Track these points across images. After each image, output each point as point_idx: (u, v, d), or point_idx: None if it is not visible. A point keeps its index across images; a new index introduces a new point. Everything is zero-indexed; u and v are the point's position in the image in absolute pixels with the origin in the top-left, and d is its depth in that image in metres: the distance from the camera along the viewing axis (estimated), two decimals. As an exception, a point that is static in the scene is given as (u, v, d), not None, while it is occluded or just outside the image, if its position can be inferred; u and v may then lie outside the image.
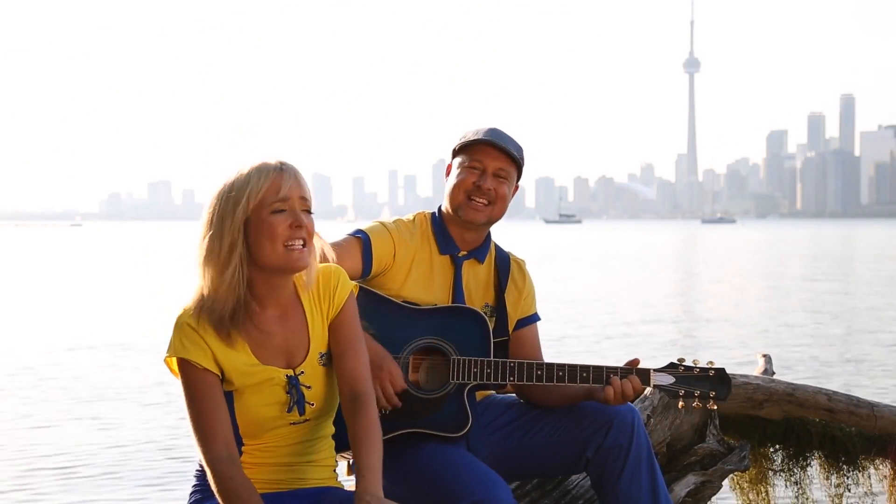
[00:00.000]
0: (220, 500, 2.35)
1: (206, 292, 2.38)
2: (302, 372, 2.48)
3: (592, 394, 2.97)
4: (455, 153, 3.11)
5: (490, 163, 3.03)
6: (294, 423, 2.49)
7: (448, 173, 3.12)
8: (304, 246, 2.41)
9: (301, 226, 2.39)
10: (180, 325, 2.40)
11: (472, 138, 3.05)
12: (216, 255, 2.36)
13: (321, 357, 2.52)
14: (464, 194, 3.04)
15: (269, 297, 2.45)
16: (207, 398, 2.38)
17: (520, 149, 3.10)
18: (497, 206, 3.05)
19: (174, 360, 2.41)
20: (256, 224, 2.37)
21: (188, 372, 2.39)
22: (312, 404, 2.49)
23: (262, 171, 2.38)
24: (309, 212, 2.45)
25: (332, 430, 2.62)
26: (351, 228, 3.09)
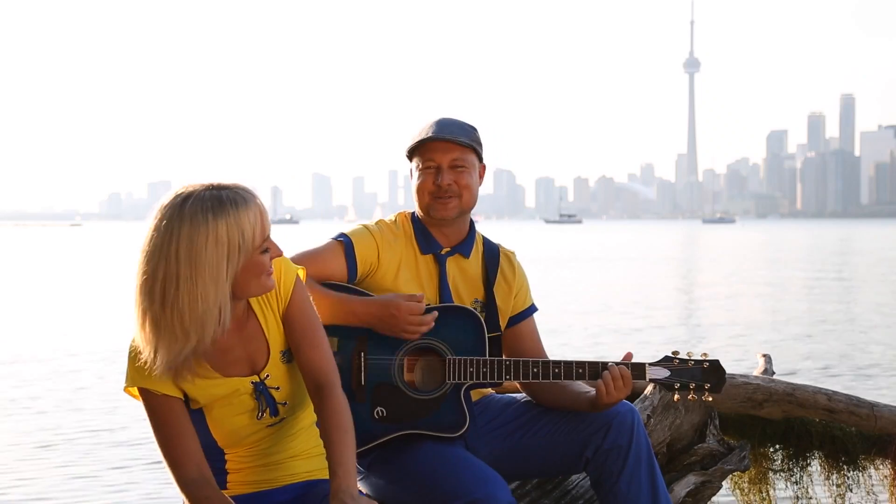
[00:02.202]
0: None
1: (176, 336, 2.20)
2: (267, 375, 2.43)
3: (595, 405, 2.96)
4: (409, 156, 3.08)
5: (442, 157, 3.00)
6: (271, 425, 2.46)
7: (412, 177, 3.09)
8: None
9: (273, 255, 2.34)
10: (135, 356, 2.29)
11: (418, 139, 3.01)
12: (201, 304, 2.19)
13: (283, 355, 2.47)
14: (428, 196, 3.02)
15: (230, 318, 2.34)
16: (172, 423, 2.33)
17: (470, 131, 3.05)
18: (465, 196, 3.02)
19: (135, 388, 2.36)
20: (248, 266, 2.27)
21: (150, 399, 2.35)
22: (285, 403, 2.46)
23: (250, 212, 2.24)
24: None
25: (315, 418, 2.55)
26: (350, 228, 3.09)
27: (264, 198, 2.37)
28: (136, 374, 2.31)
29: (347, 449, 2.35)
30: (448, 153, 3.00)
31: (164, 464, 2.35)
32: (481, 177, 3.12)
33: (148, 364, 2.24)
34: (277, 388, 2.44)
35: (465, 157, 3.02)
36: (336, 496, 2.27)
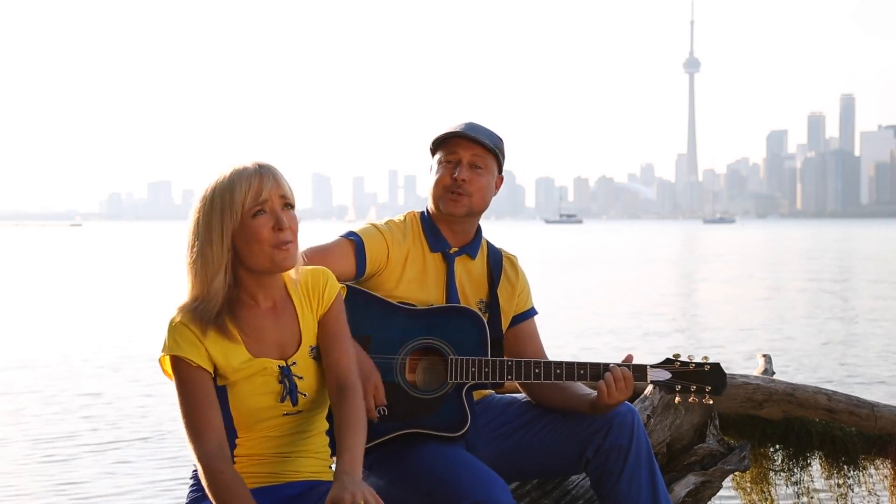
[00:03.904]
0: (210, 494, 2.38)
1: (196, 295, 2.45)
2: (294, 363, 2.54)
3: (596, 407, 2.96)
4: (433, 151, 3.13)
5: (464, 154, 3.05)
6: (287, 414, 2.54)
7: (431, 171, 3.14)
8: (290, 244, 2.47)
9: (283, 227, 2.45)
10: (174, 325, 2.46)
11: (444, 133, 3.07)
12: (206, 262, 2.44)
13: (311, 350, 2.59)
14: (442, 189, 3.06)
15: (261, 294, 2.54)
16: (200, 395, 2.43)
17: (497, 138, 3.11)
18: (476, 198, 3.06)
19: (167, 359, 2.47)
20: (242, 230, 2.43)
21: (181, 369, 2.45)
22: (305, 395, 2.55)
23: (242, 177, 2.43)
24: (290, 207, 2.49)
25: (327, 426, 2.66)
26: (350, 228, 3.10)
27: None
28: (173, 344, 2.45)
29: (358, 439, 2.47)
30: (470, 150, 3.05)
31: (186, 436, 2.43)
32: (497, 187, 3.16)
33: (184, 307, 2.44)
34: (301, 378, 2.55)
35: (486, 160, 3.08)
36: (339, 477, 2.35)
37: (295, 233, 2.50)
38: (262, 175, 2.45)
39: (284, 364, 2.53)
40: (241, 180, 2.43)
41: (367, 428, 2.54)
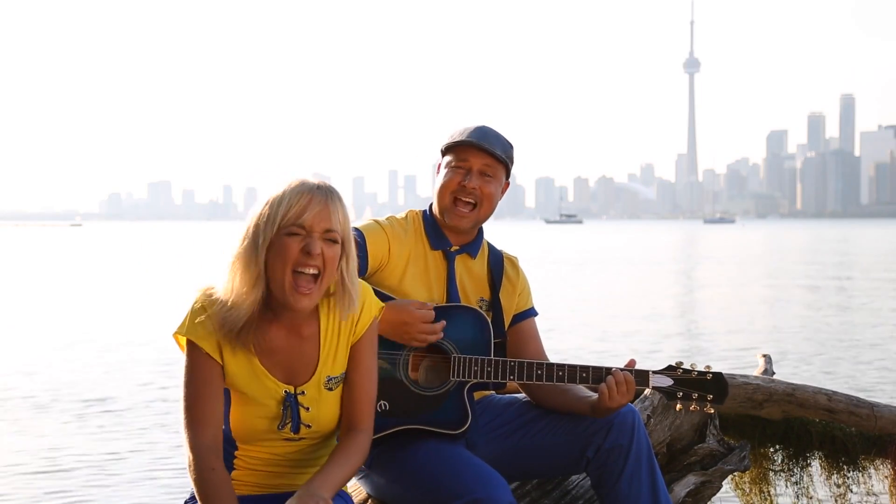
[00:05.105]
0: (195, 489, 2.32)
1: (226, 296, 2.35)
2: (303, 392, 2.44)
3: (597, 410, 2.97)
4: (443, 153, 3.14)
5: (475, 162, 3.05)
6: (288, 440, 2.46)
7: (438, 172, 3.15)
8: (315, 277, 2.34)
9: (311, 252, 2.32)
10: (196, 309, 2.37)
11: (458, 139, 3.07)
12: (245, 264, 2.34)
13: (329, 381, 2.47)
14: (450, 195, 3.07)
15: (282, 317, 2.41)
16: (205, 384, 2.36)
17: (507, 146, 3.12)
18: (483, 208, 3.08)
19: (183, 338, 2.40)
20: (273, 244, 2.33)
21: (193, 353, 2.38)
22: (310, 426, 2.45)
23: (295, 192, 2.34)
24: (334, 242, 2.36)
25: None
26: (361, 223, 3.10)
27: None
28: (190, 327, 2.36)
29: (342, 474, 2.39)
30: (482, 158, 3.06)
31: (183, 422, 2.36)
32: (502, 193, 3.17)
33: (217, 308, 2.33)
34: (308, 409, 2.44)
35: (496, 169, 3.09)
36: (301, 489, 2.29)
37: (326, 271, 2.35)
38: (313, 197, 2.34)
39: (292, 391, 2.42)
40: (293, 195, 2.33)
41: (357, 467, 2.45)
